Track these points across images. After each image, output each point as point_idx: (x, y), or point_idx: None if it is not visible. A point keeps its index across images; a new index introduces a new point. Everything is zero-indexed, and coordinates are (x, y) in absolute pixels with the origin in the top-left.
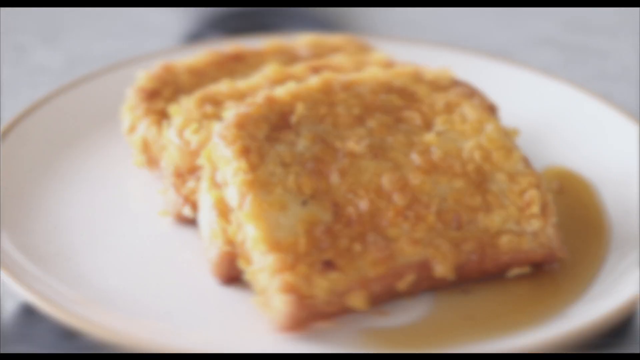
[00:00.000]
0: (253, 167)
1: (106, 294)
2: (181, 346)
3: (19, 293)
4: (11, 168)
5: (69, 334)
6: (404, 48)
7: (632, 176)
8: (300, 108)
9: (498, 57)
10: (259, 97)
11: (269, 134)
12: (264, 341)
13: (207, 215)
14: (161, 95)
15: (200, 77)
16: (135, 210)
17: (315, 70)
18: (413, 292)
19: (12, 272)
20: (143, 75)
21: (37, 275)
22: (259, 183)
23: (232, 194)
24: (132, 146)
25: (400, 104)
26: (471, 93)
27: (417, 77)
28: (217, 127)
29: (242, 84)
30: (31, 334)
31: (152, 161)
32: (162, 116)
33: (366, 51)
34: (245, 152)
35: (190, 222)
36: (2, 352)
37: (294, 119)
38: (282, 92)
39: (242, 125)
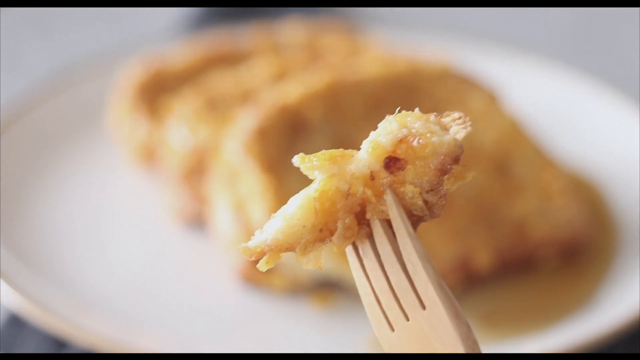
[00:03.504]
0: (279, 183)
1: (97, 298)
2: (176, 348)
3: (9, 299)
4: (2, 171)
5: (60, 339)
6: (408, 36)
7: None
8: (314, 115)
9: (500, 47)
10: (272, 103)
11: (287, 142)
12: (259, 342)
13: (227, 218)
14: (156, 93)
15: (192, 73)
16: (130, 212)
17: (312, 60)
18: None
19: (3, 276)
20: (135, 74)
21: (28, 280)
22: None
23: (262, 218)
24: (130, 147)
25: (406, 101)
26: (471, 83)
27: (417, 72)
28: (234, 135)
29: (242, 79)
30: (22, 338)
31: (151, 161)
32: (159, 115)
33: (355, 34)
34: (269, 166)
35: (199, 222)
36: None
37: (309, 125)
38: (293, 97)
39: (262, 135)
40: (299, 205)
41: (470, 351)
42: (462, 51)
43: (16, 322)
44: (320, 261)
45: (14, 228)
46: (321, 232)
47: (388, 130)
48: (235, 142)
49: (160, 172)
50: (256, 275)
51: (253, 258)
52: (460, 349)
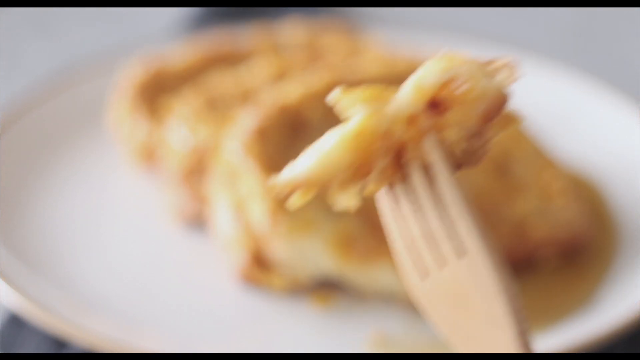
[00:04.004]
0: None
1: (97, 298)
2: (176, 348)
3: (9, 299)
4: (2, 171)
5: (60, 339)
6: (408, 36)
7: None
8: (314, 115)
9: (500, 47)
10: (272, 103)
11: (287, 142)
12: (259, 342)
13: (227, 218)
14: (156, 93)
15: (192, 73)
16: (130, 212)
17: (312, 60)
18: None
19: (3, 276)
20: (135, 74)
21: (28, 280)
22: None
23: (262, 218)
24: (130, 147)
25: None
26: None
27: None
28: (234, 135)
29: (242, 79)
30: (22, 338)
31: (151, 161)
32: (159, 115)
33: (355, 34)
34: (269, 166)
35: (199, 222)
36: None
37: (309, 125)
38: (293, 97)
39: (262, 135)
40: (336, 142)
41: (509, 303)
42: (462, 51)
43: (16, 322)
44: (354, 201)
45: (14, 228)
46: (357, 171)
47: (433, 72)
48: (235, 142)
49: (160, 172)
50: (256, 275)
51: (285, 192)
52: (498, 301)
